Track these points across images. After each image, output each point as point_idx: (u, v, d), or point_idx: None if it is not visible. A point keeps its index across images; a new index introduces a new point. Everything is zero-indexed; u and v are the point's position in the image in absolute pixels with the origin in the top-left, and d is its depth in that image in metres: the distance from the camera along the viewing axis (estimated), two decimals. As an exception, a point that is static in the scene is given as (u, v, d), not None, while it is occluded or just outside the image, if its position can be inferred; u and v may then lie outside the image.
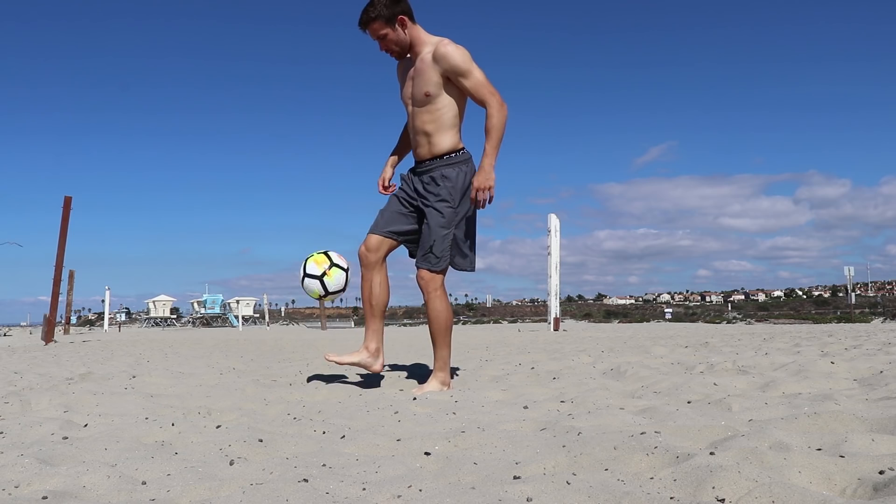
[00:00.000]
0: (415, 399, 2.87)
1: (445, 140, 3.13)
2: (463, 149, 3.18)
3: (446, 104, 3.10)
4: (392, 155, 3.47)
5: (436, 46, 3.06)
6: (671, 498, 1.35)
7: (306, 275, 3.33)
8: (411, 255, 3.32)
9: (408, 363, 4.72)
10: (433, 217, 3.13)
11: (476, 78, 3.04)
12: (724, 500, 1.34)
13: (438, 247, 3.12)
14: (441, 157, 3.14)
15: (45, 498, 1.44)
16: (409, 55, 3.20)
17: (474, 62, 3.05)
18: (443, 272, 3.17)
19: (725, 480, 1.39)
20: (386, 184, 3.41)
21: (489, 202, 3.09)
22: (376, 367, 3.30)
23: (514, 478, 1.55)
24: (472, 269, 3.25)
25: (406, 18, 3.09)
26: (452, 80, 3.07)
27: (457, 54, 3.02)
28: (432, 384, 3.20)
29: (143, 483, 1.59)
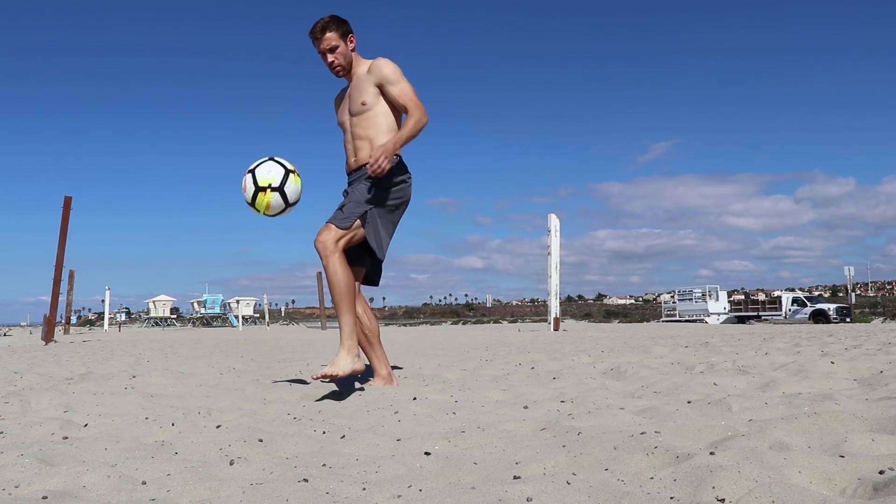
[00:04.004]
0: (415, 399, 2.87)
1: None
2: (400, 155, 3.24)
3: (382, 112, 3.22)
4: None
5: (371, 62, 3.25)
6: (671, 498, 1.35)
7: (259, 188, 3.13)
8: (367, 281, 3.38)
9: (408, 363, 4.72)
10: (355, 188, 3.21)
11: (403, 87, 3.19)
12: (724, 500, 1.34)
13: (349, 209, 3.14)
14: None
15: (45, 498, 1.44)
16: (346, 77, 3.31)
17: (405, 77, 3.20)
18: (344, 233, 3.10)
19: (725, 480, 1.39)
20: None
21: (381, 172, 2.97)
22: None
23: (514, 478, 1.55)
24: (382, 256, 3.24)
25: (354, 38, 3.27)
26: (383, 91, 3.20)
27: (388, 65, 3.22)
28: (341, 357, 3.04)
29: (143, 483, 1.59)
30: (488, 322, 50.81)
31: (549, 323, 14.21)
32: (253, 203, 3.16)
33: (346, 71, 3.29)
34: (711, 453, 1.59)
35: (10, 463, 1.73)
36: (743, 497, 1.33)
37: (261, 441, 1.98)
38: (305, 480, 1.53)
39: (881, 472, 1.42)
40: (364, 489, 1.48)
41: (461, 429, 2.09)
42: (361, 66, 3.28)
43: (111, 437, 2.10)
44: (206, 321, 56.59)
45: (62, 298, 13.31)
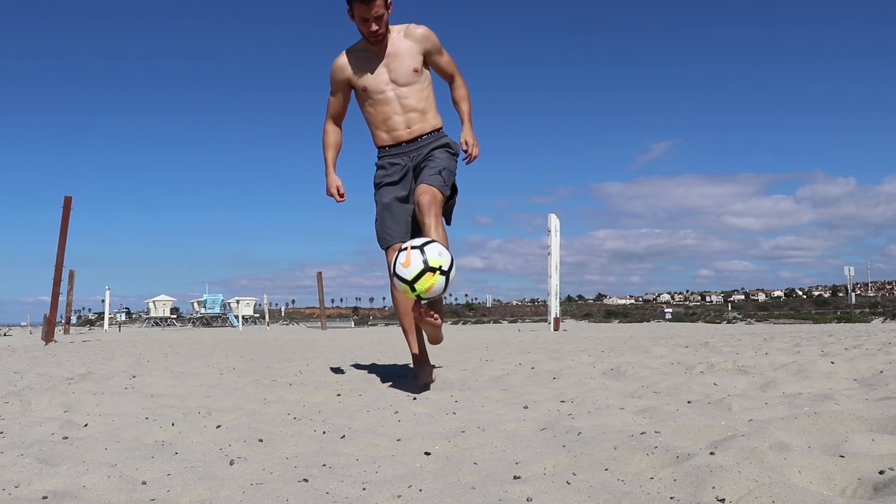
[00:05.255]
0: (415, 399, 2.87)
1: (437, 116, 3.24)
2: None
3: (429, 82, 3.21)
4: (328, 158, 3.40)
5: (407, 28, 3.15)
6: (671, 498, 1.35)
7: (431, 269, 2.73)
8: None
9: (408, 363, 4.71)
10: (439, 158, 3.14)
11: (448, 55, 3.23)
12: (724, 500, 1.34)
13: (447, 176, 3.11)
14: (438, 130, 3.22)
15: (45, 498, 1.44)
16: (377, 46, 3.13)
17: None
18: (443, 199, 3.08)
19: (725, 480, 1.40)
20: (342, 190, 3.39)
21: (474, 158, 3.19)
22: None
23: (515, 478, 1.55)
24: (448, 223, 3.26)
25: (391, 4, 3.08)
26: (427, 59, 3.17)
27: (432, 32, 3.17)
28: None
29: (143, 483, 1.59)
30: (488, 322, 50.76)
31: (549, 323, 14.21)
32: (414, 280, 2.74)
33: (384, 39, 3.11)
34: (711, 453, 1.59)
35: (10, 463, 1.73)
36: (743, 497, 1.33)
37: (261, 441, 1.98)
38: (305, 480, 1.53)
39: (881, 472, 1.42)
40: (364, 489, 1.48)
41: (461, 429, 2.09)
42: (393, 32, 3.13)
43: (111, 437, 2.11)
44: (206, 321, 56.61)
45: (62, 298, 13.30)
